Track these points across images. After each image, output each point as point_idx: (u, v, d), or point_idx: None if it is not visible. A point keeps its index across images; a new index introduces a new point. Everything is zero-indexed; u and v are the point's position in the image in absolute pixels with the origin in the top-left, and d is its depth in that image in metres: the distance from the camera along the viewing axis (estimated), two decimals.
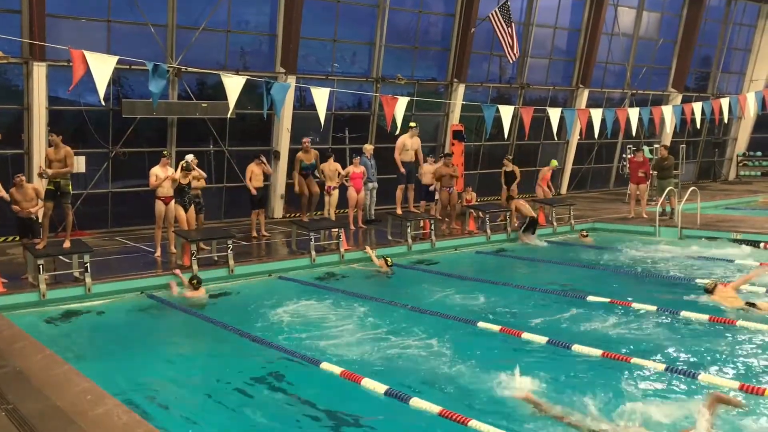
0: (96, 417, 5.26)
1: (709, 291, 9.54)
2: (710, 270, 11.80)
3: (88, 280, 10.05)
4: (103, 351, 8.10)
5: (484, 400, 6.35)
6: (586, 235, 14.30)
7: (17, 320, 8.56)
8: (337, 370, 6.99)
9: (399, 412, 6.07)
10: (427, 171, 16.07)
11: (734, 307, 9.10)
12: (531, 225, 14.70)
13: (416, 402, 6.09)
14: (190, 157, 12.61)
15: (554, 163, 18.55)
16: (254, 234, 14.01)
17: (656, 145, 20.04)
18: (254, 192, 13.65)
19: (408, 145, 15.94)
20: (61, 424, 5.19)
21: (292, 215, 16.75)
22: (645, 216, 16.30)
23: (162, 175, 11.85)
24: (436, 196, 15.98)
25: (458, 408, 5.94)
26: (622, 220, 16.38)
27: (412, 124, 15.82)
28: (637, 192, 16.73)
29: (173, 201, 11.98)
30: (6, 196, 10.13)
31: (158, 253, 12.02)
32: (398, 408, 6.13)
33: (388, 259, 12.22)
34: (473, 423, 5.58)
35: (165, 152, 12.33)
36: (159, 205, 11.90)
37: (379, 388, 6.47)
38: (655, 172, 17.37)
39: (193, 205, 12.57)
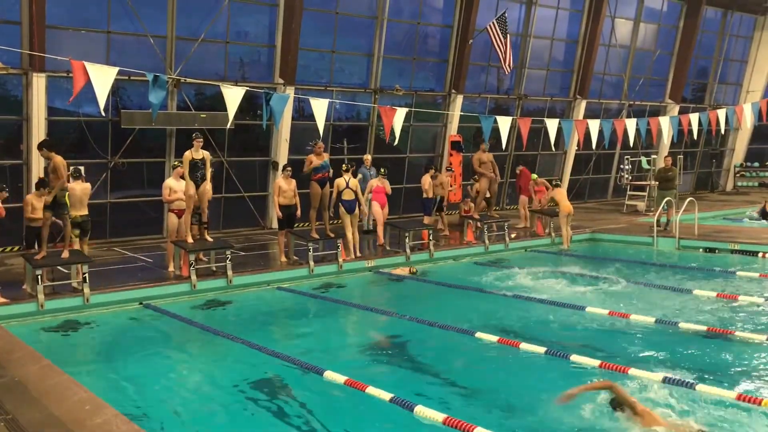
0: (95, 427, 5.23)
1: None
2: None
3: (86, 290, 10.02)
4: (102, 361, 8.05)
5: (487, 408, 6.34)
6: (415, 272, 12.81)
7: (15, 330, 8.52)
8: (341, 378, 6.95)
9: (404, 420, 6.05)
10: (425, 182, 16.06)
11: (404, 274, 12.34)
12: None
13: (421, 410, 6.07)
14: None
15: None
16: (283, 258, 12.62)
17: (653, 156, 20.04)
18: (280, 214, 12.30)
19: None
20: None
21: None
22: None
23: (176, 187, 11.30)
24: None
25: (462, 416, 5.91)
26: (621, 231, 16.38)
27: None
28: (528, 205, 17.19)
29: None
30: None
31: (171, 268, 11.60)
32: (403, 416, 6.11)
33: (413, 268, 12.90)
34: (478, 431, 5.56)
35: (176, 162, 11.83)
36: (172, 218, 11.47)
37: (384, 395, 6.44)
38: (657, 183, 17.33)
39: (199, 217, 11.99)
